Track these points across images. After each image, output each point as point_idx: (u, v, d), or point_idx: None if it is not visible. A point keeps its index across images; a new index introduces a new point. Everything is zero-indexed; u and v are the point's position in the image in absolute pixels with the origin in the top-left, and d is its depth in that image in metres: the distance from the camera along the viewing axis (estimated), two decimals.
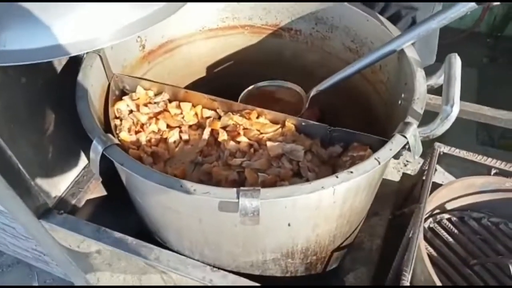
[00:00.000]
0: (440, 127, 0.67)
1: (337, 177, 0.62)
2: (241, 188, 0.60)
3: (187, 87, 1.16)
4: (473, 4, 0.70)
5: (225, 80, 1.20)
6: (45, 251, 1.23)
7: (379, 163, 0.64)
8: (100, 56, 0.82)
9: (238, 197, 0.59)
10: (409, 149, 0.69)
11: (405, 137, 0.67)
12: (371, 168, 0.63)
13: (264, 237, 0.73)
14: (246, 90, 1.01)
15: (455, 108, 0.65)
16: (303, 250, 0.80)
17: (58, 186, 0.95)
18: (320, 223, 0.74)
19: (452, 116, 0.65)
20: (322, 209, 0.70)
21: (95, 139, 0.67)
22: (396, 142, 0.67)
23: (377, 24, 0.90)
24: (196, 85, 1.17)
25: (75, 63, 0.84)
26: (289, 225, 0.71)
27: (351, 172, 0.63)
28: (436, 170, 1.79)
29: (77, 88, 0.76)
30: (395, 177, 1.40)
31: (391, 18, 1.26)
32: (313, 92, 0.96)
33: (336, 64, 1.04)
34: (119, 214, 1.07)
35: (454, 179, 1.04)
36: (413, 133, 0.68)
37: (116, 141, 0.68)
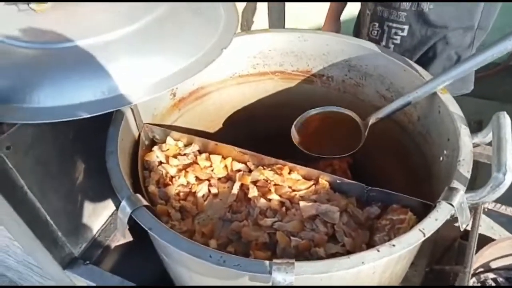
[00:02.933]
0: (490, 195, 0.62)
1: (378, 251, 0.57)
2: (274, 261, 0.56)
3: (218, 132, 1.15)
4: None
5: (256, 124, 1.18)
6: None
7: (424, 235, 0.59)
8: (132, 109, 0.82)
9: (270, 272, 0.55)
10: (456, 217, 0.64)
11: (452, 205, 0.62)
12: (415, 241, 0.58)
13: None
14: (298, 119, 0.98)
15: (509, 176, 0.59)
16: None
17: (84, 235, 0.93)
18: None
19: (505, 185, 0.60)
20: (360, 280, 0.65)
21: (124, 200, 0.65)
22: (442, 211, 0.62)
23: (415, 75, 0.86)
24: (227, 130, 1.16)
25: (106, 113, 0.84)
26: None
27: (393, 245, 0.58)
28: None
29: (108, 143, 0.75)
30: None
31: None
32: (372, 120, 0.92)
33: (370, 111, 1.00)
34: (145, 260, 1.05)
35: (502, 231, 0.97)
36: (460, 201, 0.62)
37: (145, 203, 0.66)
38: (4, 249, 1.37)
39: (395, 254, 0.57)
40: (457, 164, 0.68)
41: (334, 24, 1.51)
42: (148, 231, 0.62)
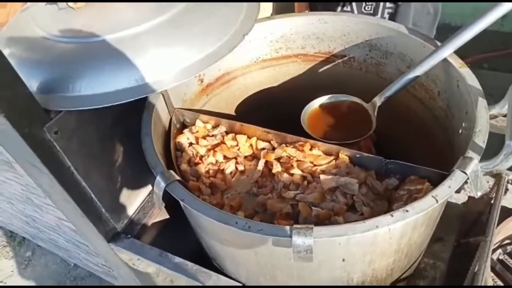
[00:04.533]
0: (504, 163, 0.64)
1: (392, 216, 0.61)
2: (294, 226, 0.61)
3: (243, 115, 1.20)
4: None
5: (279, 106, 1.22)
6: (112, 268, 1.33)
7: (437, 201, 0.62)
8: (163, 95, 0.89)
9: (291, 235, 0.60)
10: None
11: (465, 173, 0.64)
12: (428, 206, 0.62)
13: (318, 271, 0.74)
14: (305, 109, 1.01)
15: None
16: (359, 283, 0.79)
17: (125, 212, 1.02)
18: (376, 258, 0.73)
19: None
20: (378, 245, 0.69)
21: (158, 176, 0.72)
22: (456, 179, 0.64)
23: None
24: (252, 112, 1.21)
25: (140, 100, 0.91)
26: (343, 260, 0.70)
27: (407, 210, 0.61)
28: (507, 190, 1.66)
29: (142, 126, 0.82)
30: (461, 197, 1.31)
31: None
32: (379, 100, 0.94)
33: None
34: (180, 235, 1.13)
35: None
36: (474, 169, 0.65)
37: (177, 177, 0.72)
38: (55, 229, 1.50)
39: (409, 219, 0.61)
40: (473, 135, 0.70)
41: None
42: (181, 202, 0.69)
